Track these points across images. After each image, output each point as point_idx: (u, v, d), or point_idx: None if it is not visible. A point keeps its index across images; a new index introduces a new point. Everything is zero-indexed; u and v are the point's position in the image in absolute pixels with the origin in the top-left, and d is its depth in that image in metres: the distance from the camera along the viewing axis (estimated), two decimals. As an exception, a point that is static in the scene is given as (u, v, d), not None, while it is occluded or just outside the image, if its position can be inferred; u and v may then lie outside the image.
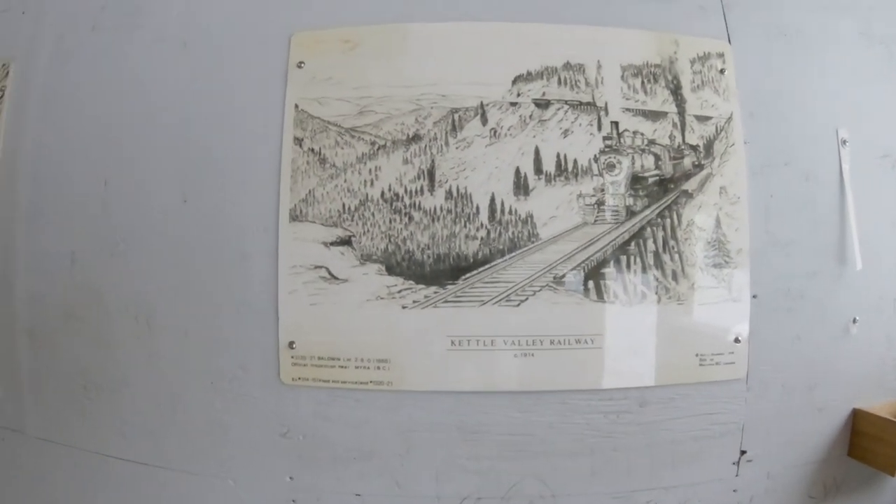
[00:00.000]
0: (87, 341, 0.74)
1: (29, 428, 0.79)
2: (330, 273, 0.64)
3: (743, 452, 0.73)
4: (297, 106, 0.66)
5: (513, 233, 0.64)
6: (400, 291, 0.63)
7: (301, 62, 0.67)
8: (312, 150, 0.65)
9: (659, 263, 0.67)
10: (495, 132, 0.65)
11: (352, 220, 0.64)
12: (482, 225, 0.64)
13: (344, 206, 0.64)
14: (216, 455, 0.70)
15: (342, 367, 0.64)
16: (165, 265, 0.69)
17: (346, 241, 0.64)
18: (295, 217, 0.65)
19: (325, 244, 0.64)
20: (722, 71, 0.71)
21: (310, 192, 0.65)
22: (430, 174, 0.64)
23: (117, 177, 0.72)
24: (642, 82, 0.69)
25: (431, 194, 0.64)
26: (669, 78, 0.70)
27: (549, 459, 0.67)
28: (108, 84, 0.75)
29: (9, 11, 0.85)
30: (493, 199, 0.64)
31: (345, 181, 0.64)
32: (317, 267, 0.64)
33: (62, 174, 0.76)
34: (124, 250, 0.71)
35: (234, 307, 0.67)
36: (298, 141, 0.66)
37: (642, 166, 0.68)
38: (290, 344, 0.65)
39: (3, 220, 0.79)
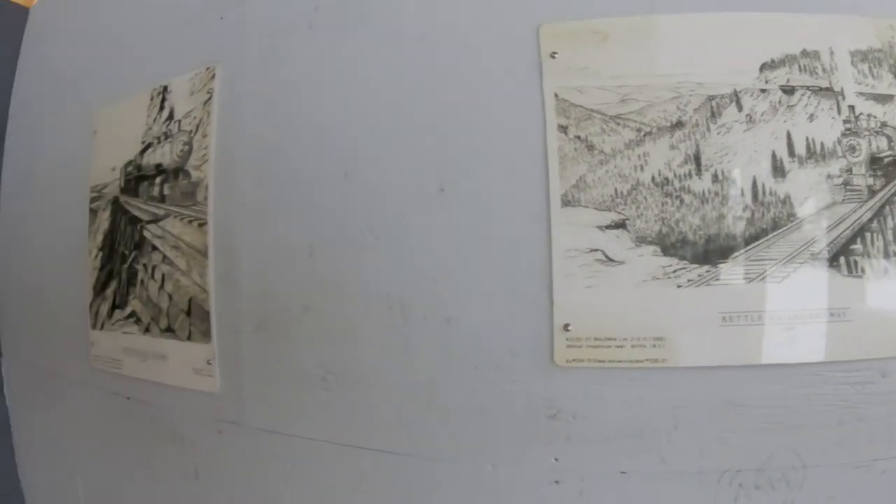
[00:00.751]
0: (327, 333, 0.74)
1: (250, 420, 0.79)
2: (606, 256, 0.65)
3: (969, 421, 0.76)
4: (556, 95, 0.68)
5: (774, 213, 0.67)
6: (675, 271, 0.65)
7: (554, 52, 0.69)
8: (578, 137, 0.67)
9: (898, 239, 0.70)
10: (750, 118, 0.68)
11: (625, 204, 0.66)
12: (747, 206, 0.66)
13: (616, 190, 0.66)
14: (474, 441, 0.70)
15: (618, 346, 0.66)
16: (422, 254, 0.70)
17: (620, 225, 0.66)
18: (567, 202, 0.66)
19: (600, 228, 0.66)
20: (934, 54, 0.76)
21: (580, 178, 0.66)
22: (697, 159, 0.66)
23: (359, 169, 0.73)
24: (869, 67, 0.72)
25: (699, 178, 0.66)
26: (892, 62, 0.73)
27: (801, 431, 0.70)
28: (335, 80, 0.76)
29: (205, 17, 0.86)
30: (754, 182, 0.67)
31: (615, 167, 0.66)
32: (592, 250, 0.66)
33: (292, 171, 0.76)
34: (373, 241, 0.72)
35: (502, 293, 0.68)
36: (563, 128, 0.67)
37: (878, 147, 0.71)
38: (566, 326, 0.66)
39: (223, 218, 0.80)
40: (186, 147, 0.84)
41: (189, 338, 0.82)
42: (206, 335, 0.80)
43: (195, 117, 0.82)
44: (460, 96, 0.71)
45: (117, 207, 0.88)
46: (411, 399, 0.71)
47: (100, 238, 0.89)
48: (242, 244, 0.78)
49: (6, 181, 1.25)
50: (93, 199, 0.91)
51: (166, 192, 0.84)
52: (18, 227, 1.23)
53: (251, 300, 0.78)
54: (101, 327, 0.87)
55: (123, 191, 0.88)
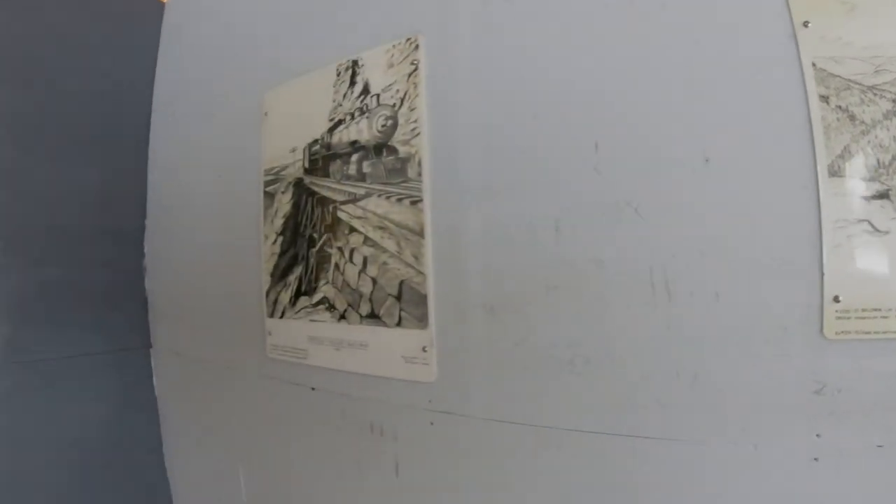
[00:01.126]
0: (576, 313, 0.70)
1: (475, 410, 0.73)
2: (872, 226, 0.66)
3: None
4: (814, 64, 0.68)
5: None
6: (933, 240, 0.67)
7: (806, 22, 0.69)
8: (839, 107, 0.67)
9: None
10: None
11: (887, 175, 0.66)
12: (984, 176, 0.69)
13: (878, 161, 0.66)
14: (738, 421, 0.68)
15: (884, 317, 0.66)
16: (688, 228, 0.67)
17: (884, 195, 0.66)
18: (833, 173, 0.66)
19: (866, 198, 0.66)
20: None
21: (845, 148, 0.66)
22: (946, 130, 0.68)
23: (611, 140, 0.69)
24: None
25: (949, 149, 0.68)
26: None
27: None
28: (570, 47, 0.72)
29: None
30: None
31: (875, 137, 0.67)
32: (860, 221, 0.66)
33: (527, 143, 0.72)
34: (633, 215, 0.68)
35: (773, 266, 0.66)
36: (824, 98, 0.67)
37: None
38: (835, 298, 0.65)
39: (441, 195, 0.74)
40: (390, 122, 0.77)
41: (399, 324, 0.75)
42: (421, 320, 0.74)
43: (398, 90, 0.76)
44: (715, 64, 0.69)
45: (301, 189, 0.79)
46: (672, 380, 0.68)
47: (279, 222, 0.80)
48: (467, 222, 0.73)
49: (154, 174, 1.13)
50: (268, 183, 0.83)
51: (366, 169, 0.77)
52: (170, 219, 1.11)
53: (480, 281, 0.72)
54: (282, 315, 0.79)
55: (308, 171, 0.80)
